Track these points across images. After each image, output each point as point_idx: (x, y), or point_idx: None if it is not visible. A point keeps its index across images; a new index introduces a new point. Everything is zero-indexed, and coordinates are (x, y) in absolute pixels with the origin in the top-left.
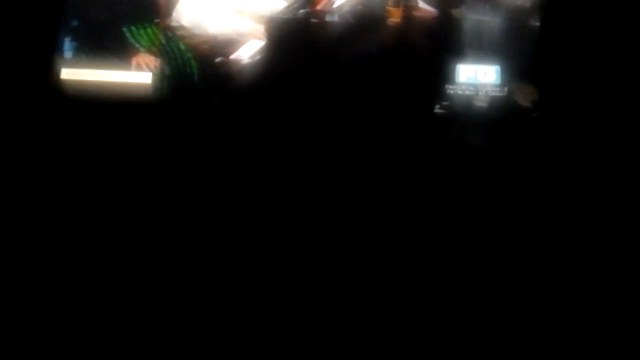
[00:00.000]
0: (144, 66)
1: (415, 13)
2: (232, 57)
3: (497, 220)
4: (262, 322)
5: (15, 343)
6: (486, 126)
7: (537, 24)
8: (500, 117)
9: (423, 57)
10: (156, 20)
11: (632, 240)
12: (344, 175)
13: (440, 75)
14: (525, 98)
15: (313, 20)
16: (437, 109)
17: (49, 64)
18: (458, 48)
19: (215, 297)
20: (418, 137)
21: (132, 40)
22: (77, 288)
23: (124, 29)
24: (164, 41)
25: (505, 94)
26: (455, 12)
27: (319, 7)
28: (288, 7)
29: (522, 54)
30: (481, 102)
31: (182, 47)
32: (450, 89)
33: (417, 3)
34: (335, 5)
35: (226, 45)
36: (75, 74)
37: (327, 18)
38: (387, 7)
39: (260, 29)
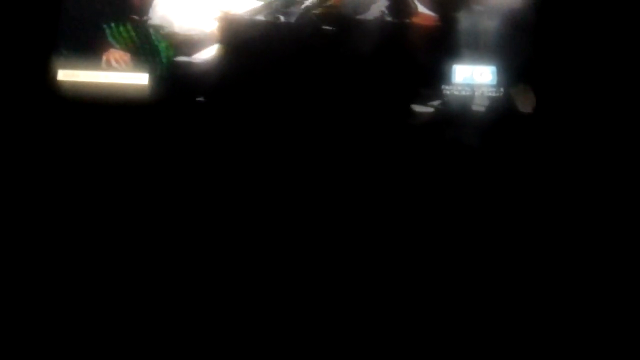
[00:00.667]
0: (113, 63)
1: (412, 15)
2: (208, 55)
3: (494, 220)
4: (260, 321)
5: (15, 343)
6: (482, 127)
7: (533, 24)
8: (496, 117)
9: (419, 58)
10: (134, 17)
11: (632, 241)
12: (341, 177)
13: (437, 75)
14: (521, 99)
15: (305, 20)
16: (433, 110)
17: (46, 65)
18: (454, 49)
19: (210, 299)
20: (414, 137)
21: (110, 38)
22: (77, 288)
23: (104, 26)
24: (141, 38)
25: (502, 94)
26: (452, 13)
27: (319, 8)
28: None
29: (518, 54)
30: (477, 103)
31: (160, 44)
32: (447, 90)
33: (414, 5)
34: (328, 4)
35: (203, 44)
36: (72, 75)
37: (320, 18)
38: None
39: (242, 28)
